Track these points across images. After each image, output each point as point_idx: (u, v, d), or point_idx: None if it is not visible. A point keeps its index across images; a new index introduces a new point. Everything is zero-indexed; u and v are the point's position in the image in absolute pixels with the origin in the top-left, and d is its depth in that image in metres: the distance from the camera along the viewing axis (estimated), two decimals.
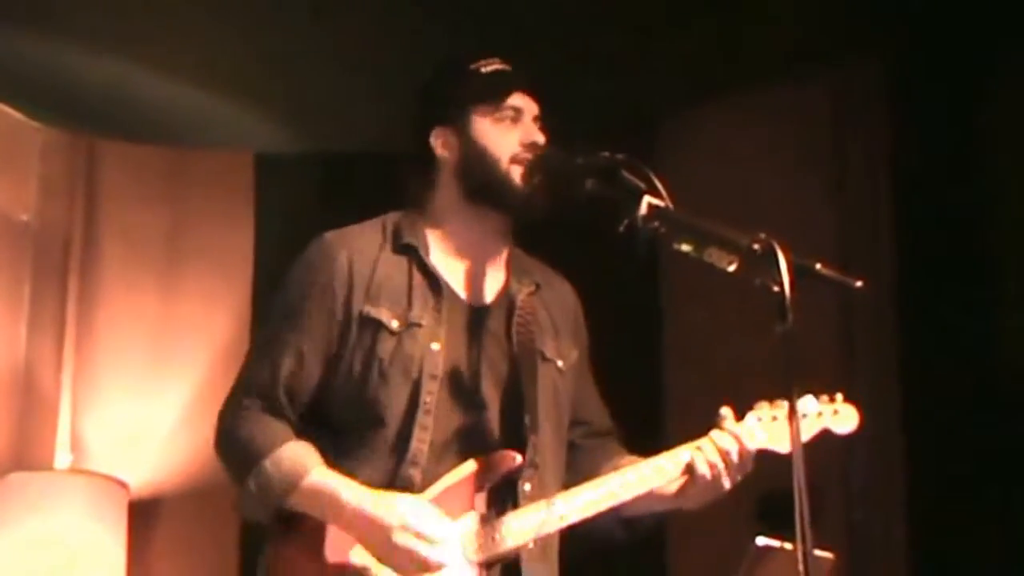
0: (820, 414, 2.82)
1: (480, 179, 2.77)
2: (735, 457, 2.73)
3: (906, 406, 4.06)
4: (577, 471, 2.84)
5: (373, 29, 4.35)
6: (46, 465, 4.79)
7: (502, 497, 2.69)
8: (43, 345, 4.92)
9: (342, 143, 5.01)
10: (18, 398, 4.80)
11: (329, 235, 2.80)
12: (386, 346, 2.69)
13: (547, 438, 2.78)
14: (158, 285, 5.13)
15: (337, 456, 2.67)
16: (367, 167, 4.91)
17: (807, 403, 2.81)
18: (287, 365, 2.70)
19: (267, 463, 2.63)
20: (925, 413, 3.98)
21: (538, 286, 2.88)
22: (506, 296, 2.82)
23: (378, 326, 2.70)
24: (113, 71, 4.61)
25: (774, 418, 2.77)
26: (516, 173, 2.75)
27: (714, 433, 2.76)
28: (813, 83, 4.42)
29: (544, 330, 2.85)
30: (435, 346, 2.70)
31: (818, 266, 2.40)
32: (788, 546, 2.24)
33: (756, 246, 2.32)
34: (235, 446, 2.70)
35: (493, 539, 2.64)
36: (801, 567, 2.13)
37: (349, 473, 2.64)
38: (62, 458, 4.85)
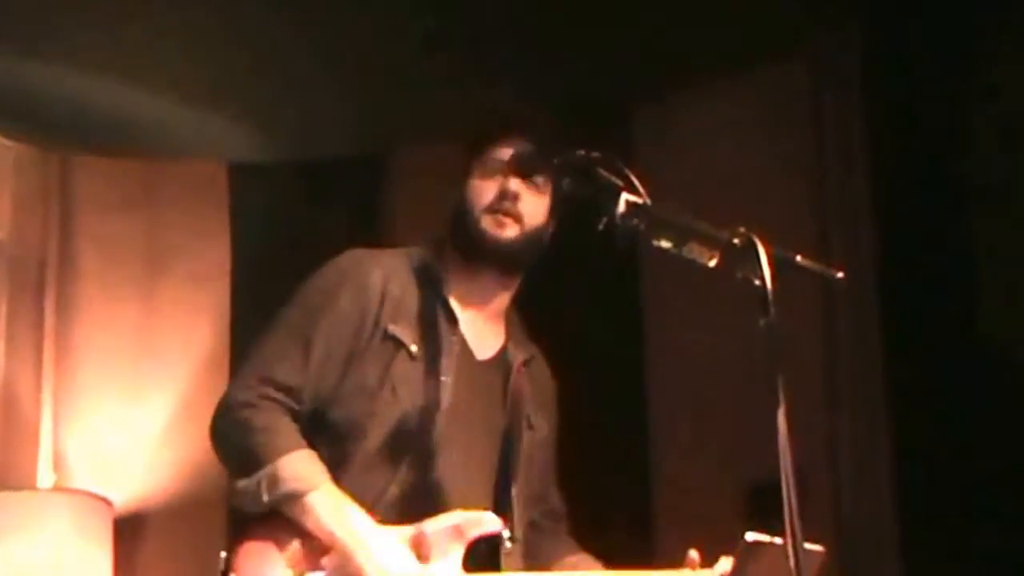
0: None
1: (459, 233, 2.82)
2: None
3: (891, 395, 4.05)
4: (532, 555, 2.83)
5: (345, 35, 4.33)
6: (29, 484, 4.77)
7: (479, 554, 2.66)
8: (22, 363, 4.89)
9: (315, 150, 4.99)
10: None
11: (361, 251, 2.83)
12: (403, 367, 2.71)
13: (523, 508, 2.81)
14: (136, 298, 5.11)
15: (329, 464, 2.64)
16: (341, 174, 4.89)
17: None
18: (315, 361, 2.68)
19: (279, 465, 2.58)
20: (910, 402, 3.97)
21: (530, 358, 2.93)
22: (504, 357, 2.87)
23: (398, 345, 2.72)
24: (83, 85, 4.59)
25: None
26: (487, 222, 2.78)
27: None
28: (789, 67, 4.40)
29: (530, 400, 2.90)
30: (446, 379, 2.73)
31: (798, 258, 2.38)
32: (779, 541, 2.22)
33: (736, 240, 2.30)
34: (246, 437, 2.62)
35: None
36: (792, 562, 2.11)
37: (339, 483, 2.62)
38: (45, 477, 4.83)
